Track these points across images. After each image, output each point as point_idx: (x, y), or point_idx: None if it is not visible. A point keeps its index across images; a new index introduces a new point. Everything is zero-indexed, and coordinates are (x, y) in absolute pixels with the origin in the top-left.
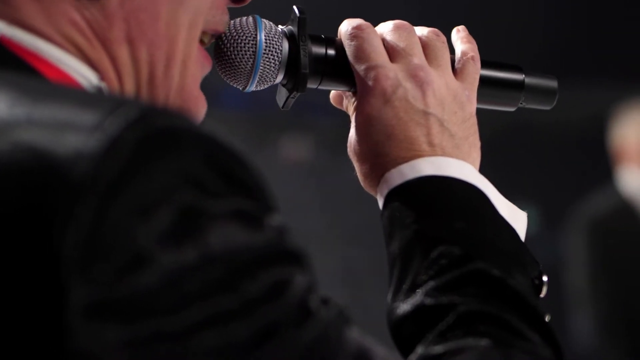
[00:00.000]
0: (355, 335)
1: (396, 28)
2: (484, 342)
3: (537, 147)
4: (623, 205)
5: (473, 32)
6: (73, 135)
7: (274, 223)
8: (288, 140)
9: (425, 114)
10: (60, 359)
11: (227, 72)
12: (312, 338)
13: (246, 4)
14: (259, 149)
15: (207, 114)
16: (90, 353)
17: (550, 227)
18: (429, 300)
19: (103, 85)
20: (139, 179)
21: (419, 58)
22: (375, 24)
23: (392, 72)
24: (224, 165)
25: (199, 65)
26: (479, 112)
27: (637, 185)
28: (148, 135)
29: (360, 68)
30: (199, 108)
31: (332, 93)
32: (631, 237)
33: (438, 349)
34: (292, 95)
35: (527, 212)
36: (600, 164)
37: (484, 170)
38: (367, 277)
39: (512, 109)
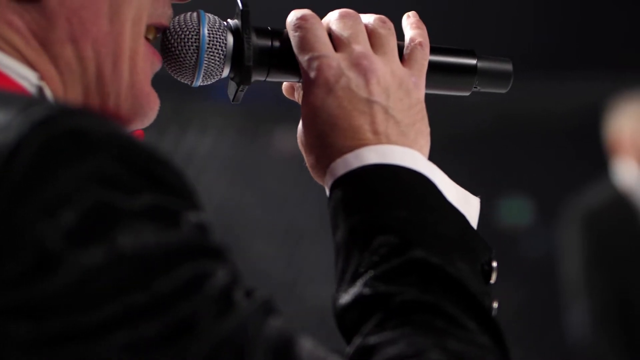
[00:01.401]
0: (279, 325)
1: (341, 17)
2: (418, 331)
3: (531, 138)
4: (617, 198)
5: (464, 25)
6: None
7: (193, 219)
8: (281, 132)
9: (369, 102)
10: None
11: (172, 68)
12: (230, 330)
13: (189, 0)
14: (252, 141)
15: (201, 107)
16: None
17: (544, 219)
18: (367, 290)
19: (43, 84)
20: (45, 179)
21: (363, 46)
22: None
23: (335, 61)
24: (137, 162)
25: (147, 62)
26: (471, 104)
27: (632, 178)
28: (54, 135)
29: (303, 58)
30: (151, 104)
31: (284, 85)
32: (625, 229)
33: (373, 339)
34: (240, 89)
35: (521, 203)
36: (595, 155)
37: (477, 162)
38: None
39: (467, 94)
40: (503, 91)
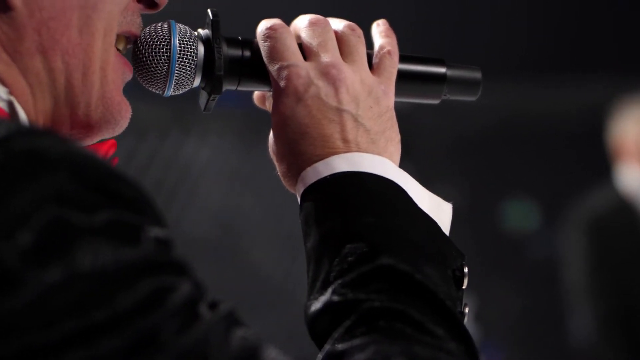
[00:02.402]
0: (243, 335)
1: (311, 24)
2: (386, 338)
3: (536, 141)
4: (622, 203)
5: (465, 28)
6: None
7: (154, 234)
8: None
9: (339, 110)
10: None
11: (144, 78)
12: (193, 343)
13: (160, 10)
14: (254, 145)
15: (202, 112)
16: None
17: (550, 223)
18: (336, 298)
19: (12, 98)
20: (1, 199)
21: (332, 54)
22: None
23: (304, 70)
24: (94, 179)
25: (118, 72)
26: (474, 106)
27: (636, 182)
28: (10, 156)
29: (273, 68)
30: (122, 113)
31: (255, 94)
32: (629, 234)
33: (341, 346)
34: (211, 98)
35: (526, 207)
36: (601, 158)
37: (482, 165)
38: None
39: (436, 102)
40: (472, 99)
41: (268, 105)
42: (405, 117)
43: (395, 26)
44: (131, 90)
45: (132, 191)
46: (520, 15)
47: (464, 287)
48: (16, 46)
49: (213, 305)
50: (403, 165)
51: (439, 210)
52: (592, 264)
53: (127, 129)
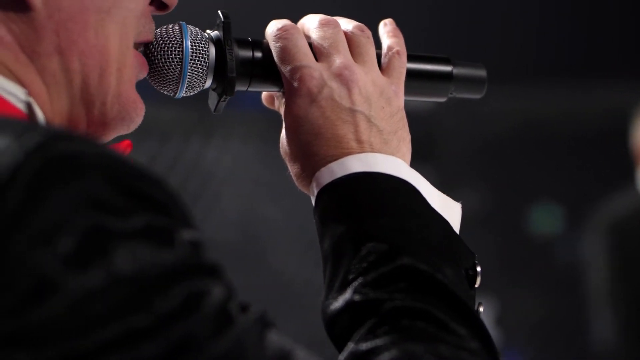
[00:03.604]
0: (275, 339)
1: (321, 25)
2: (410, 337)
3: (561, 145)
4: None
5: (489, 29)
6: None
7: (186, 237)
8: None
9: (352, 111)
10: None
11: (156, 80)
12: (229, 346)
13: (169, 11)
14: (276, 149)
15: (226, 115)
16: None
17: (574, 227)
18: (358, 297)
19: (31, 100)
20: (40, 206)
21: (344, 55)
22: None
23: (317, 71)
24: (128, 183)
25: (135, 71)
26: (498, 110)
27: None
28: (47, 162)
29: (285, 69)
30: (138, 110)
31: (264, 94)
32: None
33: (366, 345)
34: (222, 99)
35: (551, 211)
36: (625, 162)
37: (505, 169)
38: None
39: (443, 100)
40: (478, 96)
41: (277, 106)
42: (428, 121)
43: (411, 29)
44: (154, 94)
45: (165, 194)
46: (545, 19)
47: (476, 285)
48: (34, 46)
49: (244, 308)
50: (425, 169)
51: (449, 210)
52: (612, 267)
53: (150, 132)
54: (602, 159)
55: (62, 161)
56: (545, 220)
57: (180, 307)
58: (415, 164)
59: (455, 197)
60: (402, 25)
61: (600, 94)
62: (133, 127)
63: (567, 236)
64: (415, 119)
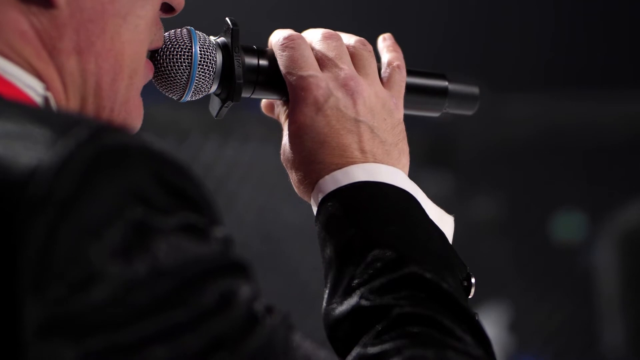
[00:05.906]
0: (299, 339)
1: (324, 38)
2: (419, 342)
3: (583, 152)
4: None
5: (515, 40)
6: (27, 153)
7: (219, 235)
8: None
9: (357, 121)
10: None
11: (162, 83)
12: (258, 346)
13: (175, 14)
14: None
15: (243, 116)
16: None
17: (595, 234)
18: (365, 302)
19: (49, 95)
20: (90, 197)
21: (348, 67)
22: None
23: (323, 81)
24: (170, 180)
25: (144, 78)
26: (518, 116)
27: None
28: (98, 154)
29: (292, 78)
30: (140, 118)
31: (263, 102)
32: None
33: (374, 349)
34: (225, 105)
35: (575, 218)
36: None
37: (530, 175)
38: None
39: (437, 115)
40: (470, 113)
41: (277, 114)
42: (448, 127)
43: (429, 39)
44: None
45: (201, 193)
46: (565, 28)
47: (470, 296)
48: (55, 44)
49: (269, 309)
50: (444, 175)
51: (442, 222)
52: (625, 277)
53: (168, 131)
54: (621, 168)
55: (111, 154)
56: (568, 227)
57: (214, 304)
58: (433, 170)
59: (473, 204)
60: (419, 37)
61: (620, 102)
62: (133, 132)
63: (588, 243)
64: (435, 125)
